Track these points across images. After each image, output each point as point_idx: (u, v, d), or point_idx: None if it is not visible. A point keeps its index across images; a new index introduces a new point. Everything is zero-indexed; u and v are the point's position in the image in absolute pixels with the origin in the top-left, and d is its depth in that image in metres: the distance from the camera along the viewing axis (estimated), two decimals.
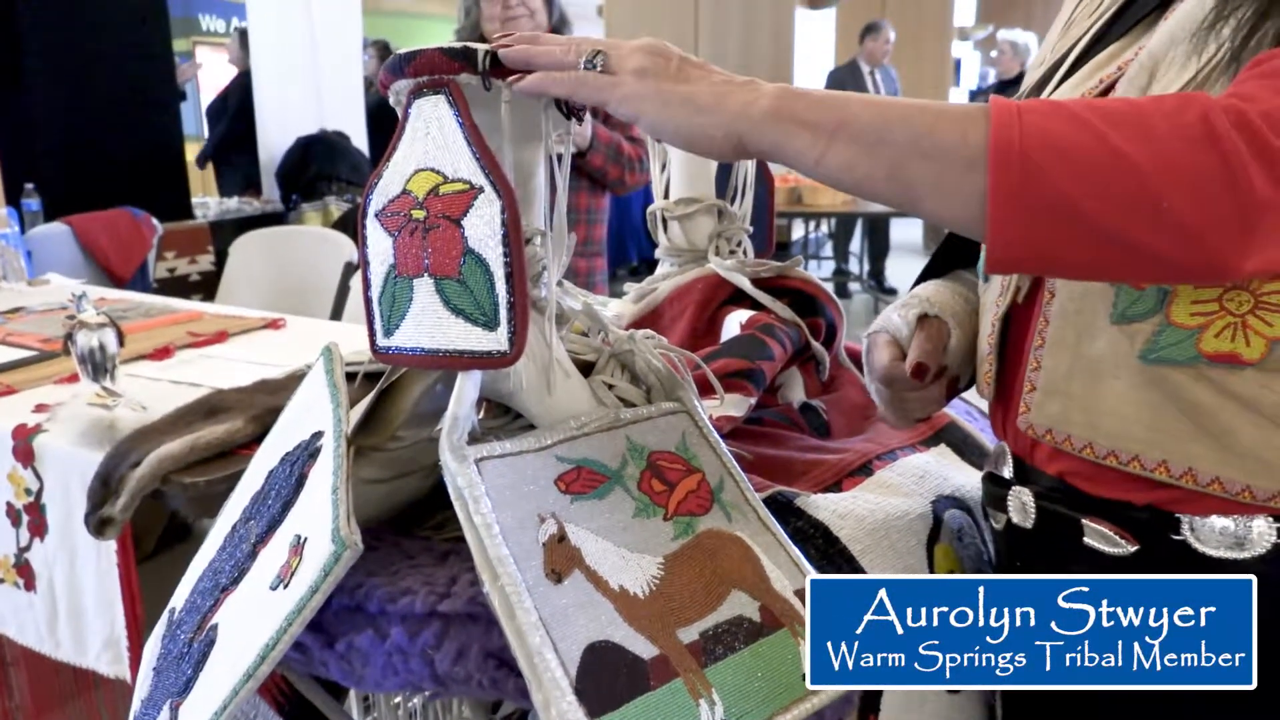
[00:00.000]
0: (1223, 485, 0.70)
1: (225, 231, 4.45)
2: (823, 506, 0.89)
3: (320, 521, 0.69)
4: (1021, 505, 0.82)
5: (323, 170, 4.95)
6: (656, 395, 0.83)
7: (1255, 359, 0.67)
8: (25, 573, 1.50)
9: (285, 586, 0.69)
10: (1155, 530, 0.73)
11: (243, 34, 5.38)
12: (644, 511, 0.74)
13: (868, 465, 1.02)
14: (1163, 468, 0.71)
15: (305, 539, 0.70)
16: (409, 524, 0.87)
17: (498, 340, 0.67)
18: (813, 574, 0.78)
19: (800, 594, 0.76)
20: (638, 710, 0.64)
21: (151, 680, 0.82)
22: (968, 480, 1.03)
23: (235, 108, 5.22)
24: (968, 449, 1.10)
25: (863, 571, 0.85)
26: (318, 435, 0.78)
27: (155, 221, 3.83)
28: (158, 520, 1.68)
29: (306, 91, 5.19)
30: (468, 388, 0.70)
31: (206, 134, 5.46)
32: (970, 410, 1.21)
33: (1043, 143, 0.55)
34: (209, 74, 6.93)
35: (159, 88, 4.58)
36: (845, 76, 6.43)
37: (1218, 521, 0.71)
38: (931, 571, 0.92)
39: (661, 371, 0.82)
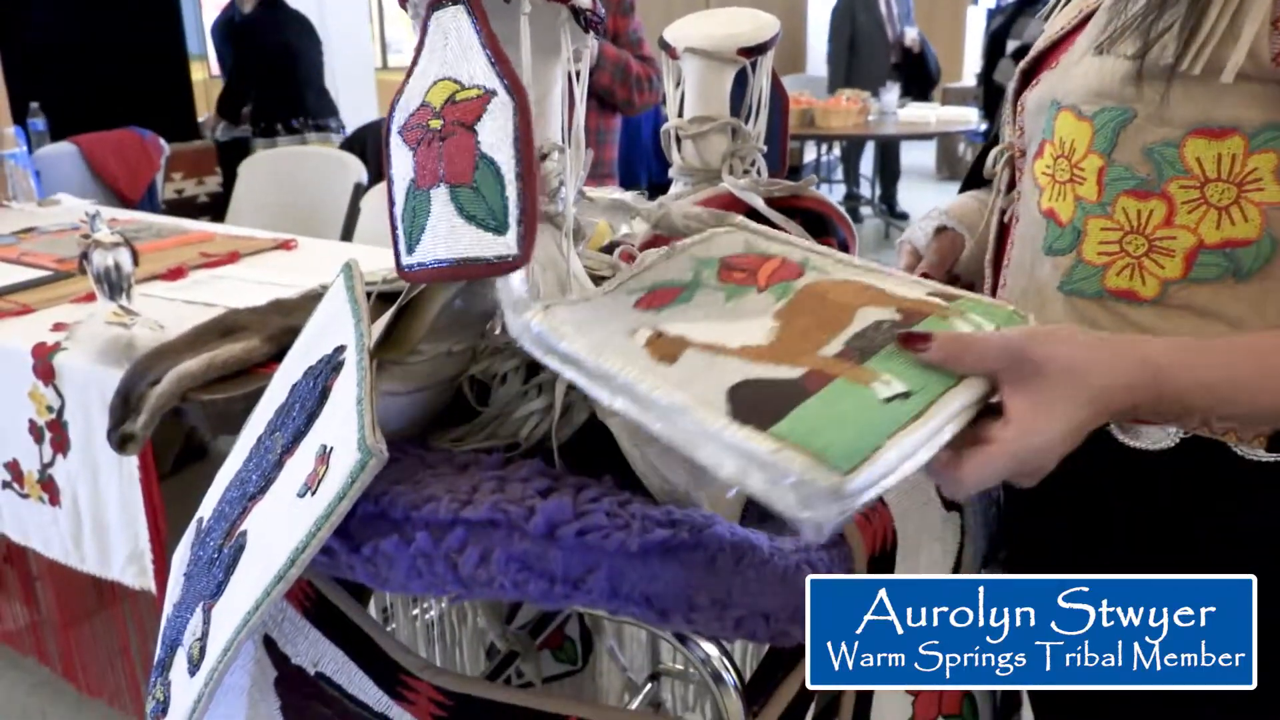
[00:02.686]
0: None
1: (232, 152, 4.41)
2: None
3: (345, 431, 0.71)
4: None
5: (291, 96, 4.33)
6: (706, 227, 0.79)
7: (1151, 296, 0.72)
8: (49, 488, 1.53)
9: (313, 494, 0.71)
10: None
11: None
12: (735, 294, 0.69)
13: None
14: None
15: (331, 448, 0.72)
16: (426, 437, 0.88)
17: (507, 244, 0.66)
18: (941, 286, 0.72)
19: (936, 294, 0.69)
20: (807, 411, 0.55)
21: (183, 585, 0.84)
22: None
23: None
24: None
25: None
26: (340, 349, 0.79)
27: (162, 142, 3.81)
28: (175, 440, 1.71)
29: (309, 6, 5.10)
30: (515, 282, 0.68)
31: (213, 54, 5.20)
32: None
33: None
34: None
35: (162, 3, 4.51)
36: None
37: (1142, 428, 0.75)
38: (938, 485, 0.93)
39: (702, 214, 0.80)
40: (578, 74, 0.74)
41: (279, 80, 4.34)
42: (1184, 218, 0.70)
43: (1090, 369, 0.58)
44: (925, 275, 0.93)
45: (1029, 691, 0.96)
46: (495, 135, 0.65)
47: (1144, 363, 0.60)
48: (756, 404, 0.55)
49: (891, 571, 0.87)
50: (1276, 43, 0.64)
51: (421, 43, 0.70)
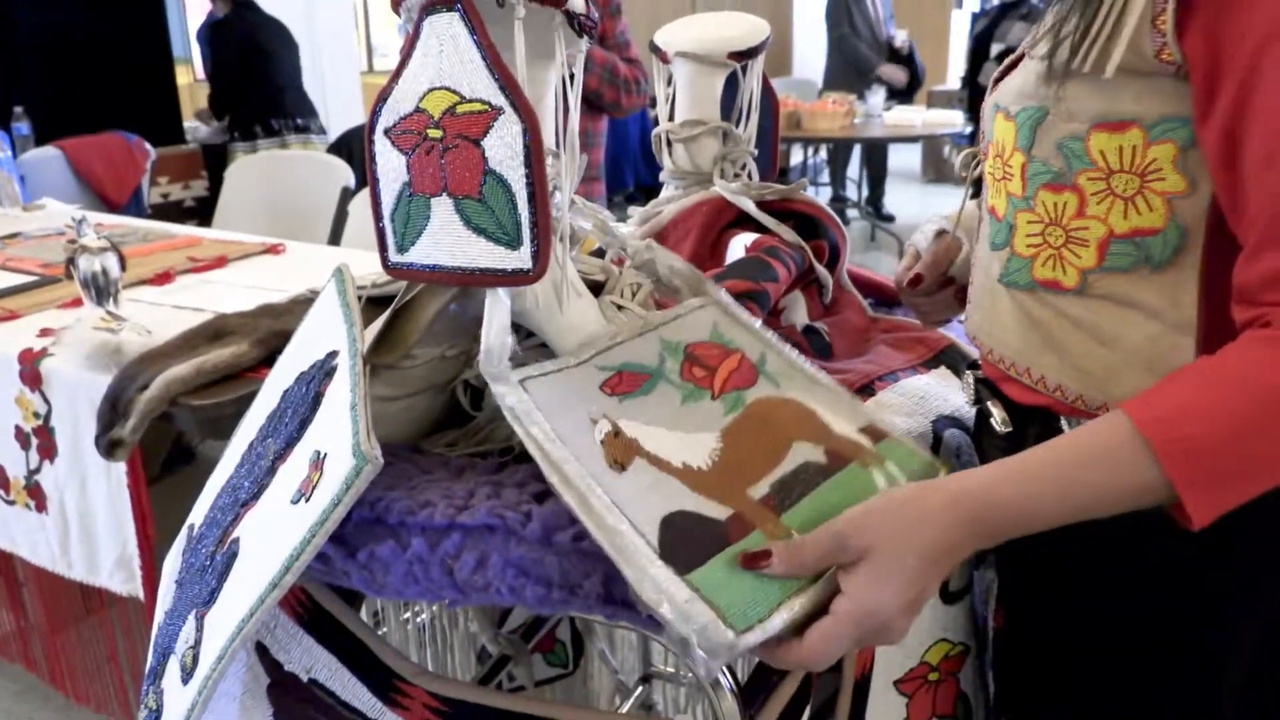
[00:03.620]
0: (1064, 392, 0.79)
1: (218, 155, 4.39)
2: None
3: (339, 437, 0.71)
4: (970, 385, 0.93)
5: (268, 97, 4.37)
6: (683, 294, 0.84)
7: (1072, 286, 0.76)
8: (36, 494, 1.52)
9: (307, 500, 0.70)
10: (1032, 419, 0.83)
11: None
12: (691, 397, 0.76)
13: (870, 386, 1.03)
14: (1027, 374, 0.81)
15: (325, 454, 0.72)
16: (420, 441, 0.88)
17: (521, 259, 0.68)
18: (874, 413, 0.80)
19: (865, 430, 0.78)
20: (723, 562, 0.64)
21: (174, 593, 0.84)
22: (967, 401, 1.05)
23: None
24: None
25: None
26: (333, 354, 0.79)
27: (148, 146, 3.79)
28: (163, 444, 1.70)
29: (295, 10, 5.08)
30: (499, 312, 0.72)
31: (200, 60, 5.13)
32: None
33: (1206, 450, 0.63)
34: None
35: (147, 7, 4.49)
36: None
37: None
38: None
39: (685, 272, 0.84)
40: (571, 78, 0.74)
41: (253, 83, 4.34)
42: (1094, 208, 0.73)
43: (910, 534, 0.64)
44: (918, 276, 1.00)
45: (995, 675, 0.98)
46: (503, 153, 0.67)
47: (954, 500, 0.65)
48: (682, 542, 0.64)
49: None
50: (1156, 39, 0.67)
51: (413, 45, 0.70)
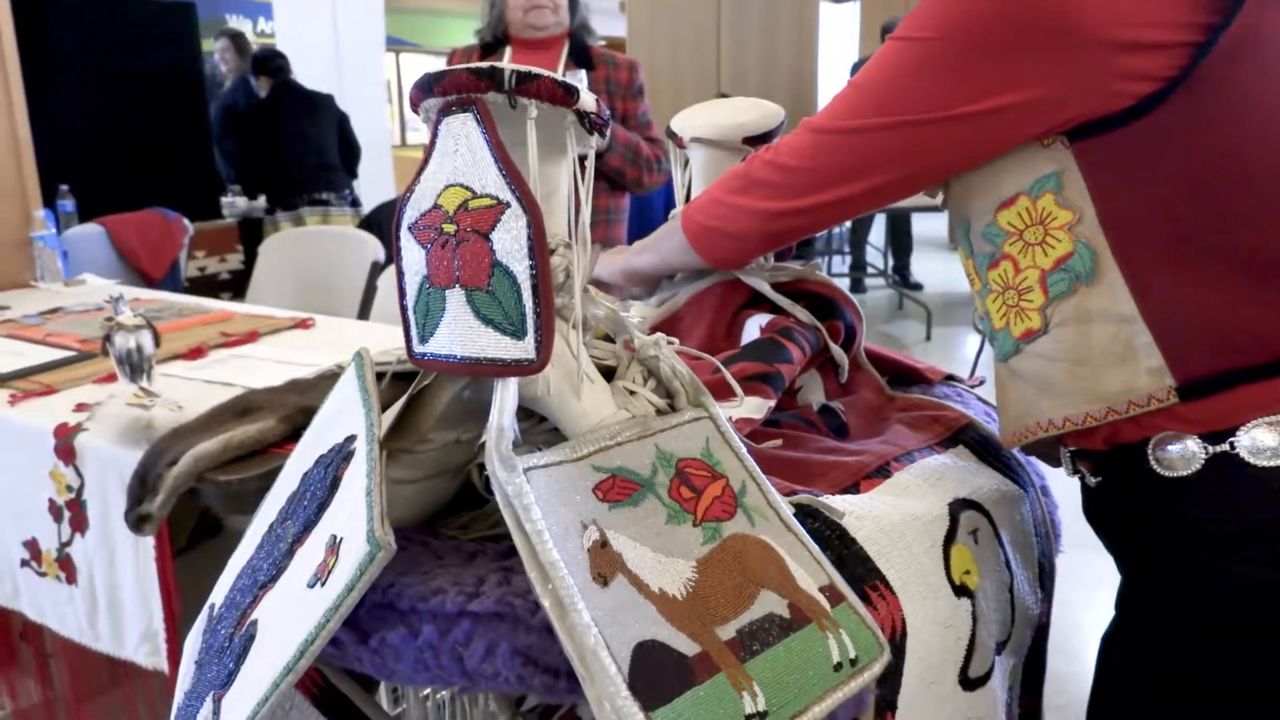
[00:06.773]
0: (1070, 421, 0.91)
1: (253, 229, 4.51)
2: (840, 508, 0.91)
3: (355, 522, 0.72)
4: (1067, 460, 1.03)
5: (284, 174, 4.56)
6: (680, 401, 0.85)
7: (1039, 326, 0.91)
8: (67, 566, 1.54)
9: (322, 585, 0.71)
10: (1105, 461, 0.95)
11: (232, 37, 5.16)
12: (675, 518, 0.77)
13: (885, 467, 1.03)
14: (1050, 426, 0.94)
15: (341, 539, 0.73)
16: (433, 523, 0.89)
17: (525, 349, 0.70)
18: (834, 573, 0.81)
19: (825, 590, 0.79)
20: (687, 704, 0.66)
21: (194, 673, 0.85)
22: (985, 481, 1.04)
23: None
24: (985, 449, 1.12)
25: (879, 572, 0.87)
26: (351, 439, 0.81)
27: (186, 222, 3.89)
28: (190, 516, 1.72)
29: (329, 87, 5.25)
30: (508, 398, 0.73)
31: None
32: (989, 411, 1.22)
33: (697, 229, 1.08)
34: None
35: (188, 88, 4.65)
36: None
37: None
38: (948, 572, 0.93)
39: (685, 377, 0.85)
40: (583, 172, 0.76)
41: (273, 161, 4.49)
42: (1025, 262, 0.91)
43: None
44: None
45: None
46: (510, 245, 0.69)
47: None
48: (651, 674, 0.67)
49: (903, 659, 0.87)
50: None
51: (432, 145, 0.73)
